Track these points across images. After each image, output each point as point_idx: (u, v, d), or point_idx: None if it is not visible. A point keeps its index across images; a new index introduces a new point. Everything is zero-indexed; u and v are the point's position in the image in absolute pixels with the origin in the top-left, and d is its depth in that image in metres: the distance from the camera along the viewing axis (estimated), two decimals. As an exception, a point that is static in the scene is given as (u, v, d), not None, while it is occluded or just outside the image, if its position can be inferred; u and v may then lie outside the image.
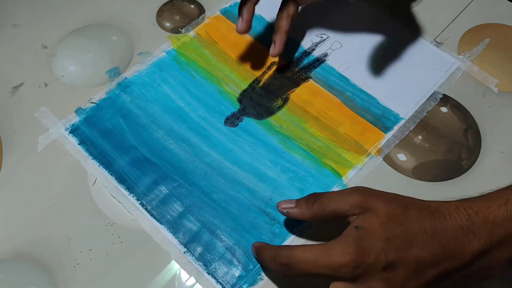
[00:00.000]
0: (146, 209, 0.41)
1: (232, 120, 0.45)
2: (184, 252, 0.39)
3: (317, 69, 0.48)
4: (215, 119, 0.45)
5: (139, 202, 0.41)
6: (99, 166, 0.42)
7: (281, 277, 0.38)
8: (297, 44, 0.50)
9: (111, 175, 0.42)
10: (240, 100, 0.46)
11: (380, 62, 0.49)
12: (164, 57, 0.49)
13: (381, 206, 0.32)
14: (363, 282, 0.31)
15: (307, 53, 0.50)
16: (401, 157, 0.43)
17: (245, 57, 0.49)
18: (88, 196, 0.41)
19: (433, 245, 0.31)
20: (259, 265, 0.38)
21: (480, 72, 0.48)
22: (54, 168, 0.43)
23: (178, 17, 0.52)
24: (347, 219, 0.34)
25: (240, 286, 0.37)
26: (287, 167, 0.43)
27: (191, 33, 0.51)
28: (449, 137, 0.44)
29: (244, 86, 0.47)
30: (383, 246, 0.31)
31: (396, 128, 0.45)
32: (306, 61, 0.49)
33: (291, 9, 0.46)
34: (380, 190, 0.34)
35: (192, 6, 0.53)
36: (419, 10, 0.53)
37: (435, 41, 0.50)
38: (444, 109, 0.46)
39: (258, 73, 0.48)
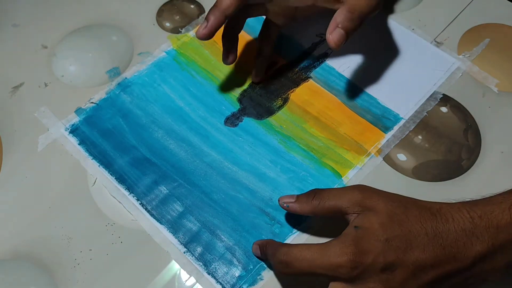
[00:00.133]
0: (146, 209, 0.41)
1: (232, 120, 0.45)
2: (184, 252, 0.39)
3: (317, 69, 0.48)
4: (215, 119, 0.45)
5: (139, 202, 0.41)
6: (99, 166, 0.42)
7: (281, 275, 0.38)
8: (297, 44, 0.50)
9: (111, 175, 0.42)
10: (240, 100, 0.46)
11: (380, 62, 0.49)
12: (164, 57, 0.49)
13: (381, 205, 0.32)
14: (361, 282, 0.31)
15: (307, 53, 0.50)
16: (401, 157, 0.43)
17: (245, 57, 0.49)
18: (88, 196, 0.41)
19: (434, 247, 0.31)
20: (259, 265, 0.38)
21: (480, 72, 0.48)
22: (54, 168, 0.43)
23: (178, 17, 0.52)
24: (347, 217, 0.34)
25: (240, 286, 0.37)
26: (287, 167, 0.43)
27: (191, 33, 0.51)
28: (449, 137, 0.44)
29: (244, 86, 0.47)
30: (382, 247, 0.31)
31: (396, 128, 0.45)
32: (306, 61, 0.49)
33: (273, 34, 0.46)
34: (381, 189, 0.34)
35: (192, 6, 0.53)
36: (419, 10, 0.53)
37: (435, 41, 0.50)
38: (444, 109, 0.46)
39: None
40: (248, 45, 0.50)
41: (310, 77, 0.48)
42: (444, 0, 0.53)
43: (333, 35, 0.40)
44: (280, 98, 0.47)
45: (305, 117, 0.45)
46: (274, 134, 0.44)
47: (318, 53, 0.50)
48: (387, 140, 0.44)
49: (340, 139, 0.44)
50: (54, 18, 0.52)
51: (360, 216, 0.33)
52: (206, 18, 0.40)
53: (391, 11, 0.52)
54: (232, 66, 0.48)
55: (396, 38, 0.50)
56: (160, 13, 0.52)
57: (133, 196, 0.41)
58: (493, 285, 0.33)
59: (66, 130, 0.44)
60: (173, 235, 0.39)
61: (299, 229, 0.40)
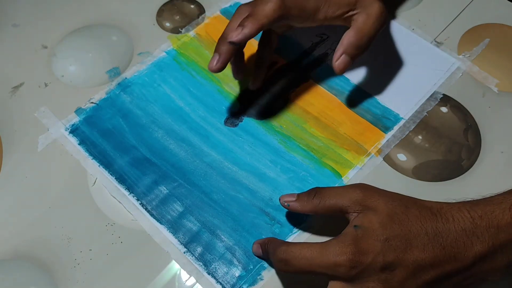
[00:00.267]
0: (146, 209, 0.41)
1: (232, 120, 0.45)
2: (184, 252, 0.39)
3: (317, 69, 0.48)
4: (215, 119, 0.45)
5: (139, 202, 0.41)
6: (99, 166, 0.42)
7: (281, 273, 0.38)
8: (297, 44, 0.50)
9: (111, 175, 0.42)
10: (240, 100, 0.46)
11: (380, 62, 0.49)
12: (164, 57, 0.49)
13: (382, 205, 0.32)
14: (360, 282, 0.31)
15: (307, 53, 0.50)
16: (401, 157, 0.43)
17: (245, 57, 0.49)
18: (88, 196, 0.41)
19: (434, 247, 0.31)
20: (259, 265, 0.38)
21: (480, 72, 0.48)
22: (54, 168, 0.43)
23: (178, 17, 0.52)
24: (347, 216, 0.34)
25: (240, 286, 0.37)
26: (287, 167, 0.43)
27: (191, 33, 0.51)
28: (449, 137, 0.44)
29: (244, 86, 0.47)
30: (382, 247, 0.31)
31: (396, 128, 0.45)
32: (306, 61, 0.49)
33: (274, 42, 0.46)
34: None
35: (192, 6, 0.53)
36: (419, 10, 0.53)
37: (435, 41, 0.50)
38: (444, 109, 0.46)
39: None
40: (249, 46, 0.50)
41: (310, 77, 0.48)
42: (444, 0, 0.53)
43: (339, 62, 0.41)
44: (280, 98, 0.47)
45: (305, 117, 0.45)
46: (274, 134, 0.44)
47: (318, 53, 0.50)
48: (387, 140, 0.44)
49: (340, 139, 0.44)
50: (54, 18, 0.52)
51: (360, 215, 0.33)
52: (217, 51, 0.39)
53: (391, 11, 0.52)
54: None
55: (396, 38, 0.50)
56: (160, 13, 0.52)
57: (133, 196, 0.41)
58: (493, 285, 0.33)
59: (66, 130, 0.44)
60: (173, 235, 0.39)
61: (299, 229, 0.40)
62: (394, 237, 0.31)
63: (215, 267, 0.38)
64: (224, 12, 0.52)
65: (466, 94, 0.47)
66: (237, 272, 0.38)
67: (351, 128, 0.45)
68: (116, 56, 0.49)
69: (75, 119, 0.45)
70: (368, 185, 0.34)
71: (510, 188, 0.34)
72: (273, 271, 0.38)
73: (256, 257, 0.38)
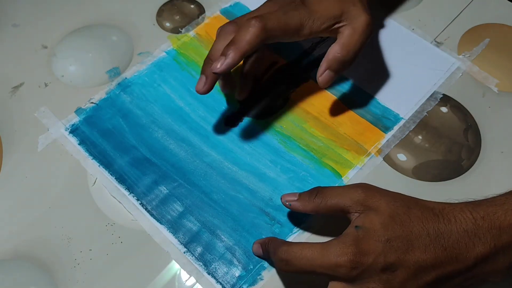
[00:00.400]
0: (146, 209, 0.41)
1: (232, 120, 0.45)
2: (184, 252, 0.39)
3: (317, 69, 0.48)
4: (215, 119, 0.45)
5: (139, 202, 0.41)
6: (99, 166, 0.42)
7: (282, 272, 0.38)
8: (297, 44, 0.50)
9: (111, 175, 0.42)
10: (240, 100, 0.46)
11: (380, 62, 0.49)
12: (164, 57, 0.49)
13: (383, 205, 0.32)
14: (361, 283, 0.31)
15: (307, 53, 0.50)
16: (401, 157, 0.43)
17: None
18: (88, 196, 0.41)
19: (436, 248, 0.31)
20: (259, 265, 0.38)
21: (480, 72, 0.48)
22: (54, 168, 0.43)
23: (178, 17, 0.52)
24: (348, 216, 0.34)
25: (240, 286, 0.37)
26: (287, 167, 0.43)
27: (191, 33, 0.51)
28: (449, 137, 0.44)
29: (244, 86, 0.47)
30: (383, 248, 0.31)
31: (396, 128, 0.45)
32: (306, 61, 0.49)
33: (266, 54, 0.45)
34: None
35: (192, 6, 0.53)
36: (419, 10, 0.53)
37: (435, 41, 0.50)
38: (444, 109, 0.46)
39: (258, 73, 0.48)
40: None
41: (310, 77, 0.48)
42: (444, 0, 0.53)
43: (323, 77, 0.41)
44: (280, 98, 0.47)
45: (305, 117, 0.45)
46: (274, 134, 0.44)
47: (318, 53, 0.50)
48: (387, 140, 0.44)
49: (340, 139, 0.44)
50: (54, 18, 0.52)
51: (361, 215, 0.33)
52: (203, 73, 0.39)
53: (391, 11, 0.52)
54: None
55: (396, 38, 0.50)
56: (160, 13, 0.52)
57: (133, 196, 0.41)
58: (494, 286, 0.33)
59: (66, 130, 0.44)
60: (173, 235, 0.39)
61: (299, 229, 0.40)
62: (396, 238, 0.31)
63: (215, 267, 0.38)
64: (224, 12, 0.52)
65: (466, 94, 0.47)
66: (237, 272, 0.38)
67: (351, 128, 0.45)
68: (116, 56, 0.49)
69: (75, 119, 0.45)
70: (370, 185, 0.34)
71: (511, 189, 0.34)
72: (273, 271, 0.38)
73: (256, 257, 0.38)
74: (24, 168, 0.43)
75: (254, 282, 0.38)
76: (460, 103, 0.46)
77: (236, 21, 0.40)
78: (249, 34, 0.37)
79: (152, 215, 0.40)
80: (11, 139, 0.44)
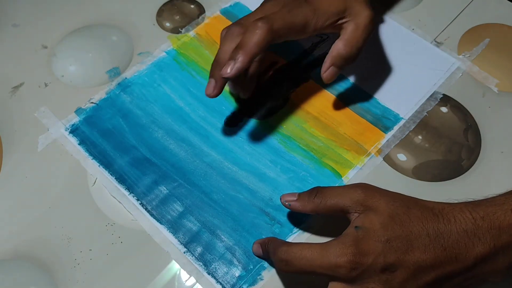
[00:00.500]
0: (146, 209, 0.41)
1: (232, 120, 0.45)
2: (184, 252, 0.39)
3: (317, 69, 0.48)
4: (215, 119, 0.45)
5: (139, 202, 0.41)
6: (99, 166, 0.42)
7: (281, 273, 0.38)
8: (297, 44, 0.50)
9: (111, 175, 0.42)
10: (240, 100, 0.46)
11: (380, 62, 0.49)
12: (164, 57, 0.49)
13: (383, 205, 0.32)
14: (361, 283, 0.31)
15: (307, 53, 0.50)
16: (401, 157, 0.43)
17: None
18: (88, 196, 0.41)
19: (435, 248, 0.31)
20: (259, 265, 0.38)
21: (480, 72, 0.48)
22: (54, 168, 0.43)
23: (178, 17, 0.52)
24: (348, 216, 0.34)
25: (240, 286, 0.37)
26: (287, 167, 0.43)
27: (191, 33, 0.51)
28: (449, 137, 0.44)
29: (244, 86, 0.47)
30: (382, 248, 0.31)
31: (396, 128, 0.45)
32: (306, 61, 0.49)
33: (267, 54, 0.45)
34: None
35: (192, 6, 0.53)
36: (419, 10, 0.53)
37: (435, 41, 0.50)
38: (444, 109, 0.46)
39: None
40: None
41: (310, 77, 0.48)
42: (444, 0, 0.53)
43: (327, 73, 0.42)
44: (280, 98, 0.47)
45: (305, 117, 0.45)
46: (274, 134, 0.44)
47: (318, 53, 0.50)
48: (387, 140, 0.44)
49: (340, 139, 0.44)
50: (54, 18, 0.52)
51: (361, 215, 0.33)
52: (212, 77, 0.39)
53: (391, 11, 0.52)
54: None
55: (396, 38, 0.50)
56: (160, 13, 0.52)
57: (133, 196, 0.41)
58: (494, 286, 0.33)
59: (66, 130, 0.44)
60: (173, 235, 0.39)
61: (299, 229, 0.40)
62: (395, 238, 0.31)
63: (215, 267, 0.38)
64: (224, 12, 0.52)
65: (466, 94, 0.47)
66: (237, 272, 0.38)
67: (351, 128, 0.45)
68: (116, 56, 0.49)
69: (75, 119, 0.45)
70: (370, 185, 0.34)
71: (511, 189, 0.34)
72: (273, 271, 0.38)
73: (256, 257, 0.38)
74: (24, 168, 0.43)
75: (254, 282, 0.38)
76: (460, 103, 0.46)
77: (241, 22, 0.40)
78: (257, 36, 0.37)
79: (152, 215, 0.40)
80: (11, 139, 0.44)
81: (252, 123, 0.45)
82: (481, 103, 0.46)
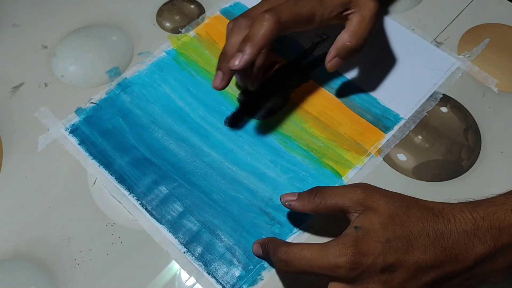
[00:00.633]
0: (146, 209, 0.41)
1: (232, 120, 0.45)
2: (184, 252, 0.39)
3: (317, 69, 0.48)
4: (215, 119, 0.45)
5: (139, 202, 0.41)
6: (99, 166, 0.42)
7: (281, 273, 0.38)
8: (297, 44, 0.50)
9: (111, 175, 0.42)
10: (240, 100, 0.46)
11: (380, 62, 0.49)
12: (164, 57, 0.49)
13: (383, 205, 0.32)
14: (360, 283, 0.31)
15: (307, 53, 0.50)
16: (401, 157, 0.43)
17: None
18: (88, 196, 0.41)
19: (435, 248, 0.31)
20: (259, 265, 0.38)
21: (480, 72, 0.48)
22: (54, 168, 0.43)
23: (178, 17, 0.52)
24: (348, 216, 0.34)
25: (240, 286, 0.37)
26: (287, 167, 0.43)
27: (191, 33, 0.51)
28: (449, 137, 0.44)
29: (244, 86, 0.47)
30: (382, 248, 0.31)
31: (396, 128, 0.45)
32: (306, 61, 0.49)
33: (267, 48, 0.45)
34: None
35: (192, 6, 0.53)
36: (419, 10, 0.53)
37: (435, 41, 0.50)
38: (444, 109, 0.46)
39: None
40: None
41: (310, 77, 0.48)
42: (444, 0, 0.53)
43: (331, 63, 0.42)
44: (280, 98, 0.47)
45: (305, 117, 0.45)
46: (274, 134, 0.44)
47: (318, 53, 0.50)
48: (387, 140, 0.44)
49: (340, 139, 0.44)
50: (54, 18, 0.52)
51: (361, 216, 0.33)
52: (220, 69, 0.40)
53: (391, 11, 0.52)
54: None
55: (396, 38, 0.50)
56: (160, 13, 0.52)
57: (133, 196, 0.41)
58: (493, 285, 0.33)
59: (66, 130, 0.44)
60: (173, 235, 0.39)
61: (299, 229, 0.40)
62: (395, 238, 0.31)
63: (215, 267, 0.38)
64: (224, 12, 0.52)
65: (466, 94, 0.47)
66: (237, 272, 0.38)
67: (351, 128, 0.45)
68: (116, 56, 0.49)
69: (75, 119, 0.45)
70: (369, 184, 0.34)
71: (511, 189, 0.34)
72: (273, 271, 0.38)
73: (256, 257, 0.38)
74: (24, 168, 0.43)
75: (254, 282, 0.38)
76: (460, 103, 0.46)
77: (248, 14, 0.40)
78: (264, 28, 0.38)
79: (152, 215, 0.40)
80: (11, 139, 0.44)
81: (252, 123, 0.45)
82: (481, 103, 0.46)
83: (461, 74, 0.48)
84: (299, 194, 0.36)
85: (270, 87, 0.47)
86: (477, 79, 0.48)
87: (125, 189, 0.41)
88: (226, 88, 0.47)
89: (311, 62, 0.49)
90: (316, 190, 0.35)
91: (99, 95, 0.46)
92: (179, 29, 0.51)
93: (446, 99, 0.46)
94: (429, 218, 0.31)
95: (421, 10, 0.53)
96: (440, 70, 0.48)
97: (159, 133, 0.44)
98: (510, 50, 0.50)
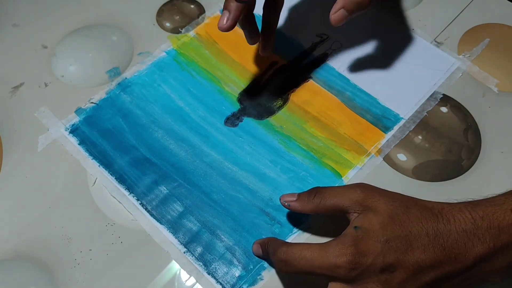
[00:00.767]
0: (146, 209, 0.41)
1: (232, 120, 0.45)
2: (184, 252, 0.39)
3: (317, 69, 0.48)
4: (215, 119, 0.45)
5: (139, 202, 0.41)
6: (99, 166, 0.42)
7: (281, 273, 0.38)
8: (297, 44, 0.50)
9: (111, 175, 0.42)
10: (240, 100, 0.46)
11: (380, 62, 0.49)
12: (164, 57, 0.49)
13: (382, 205, 0.32)
14: (360, 283, 0.31)
15: (307, 53, 0.50)
16: (401, 157, 0.43)
17: (245, 57, 0.49)
18: (88, 196, 0.41)
19: (435, 248, 0.31)
20: (259, 265, 0.38)
21: (480, 72, 0.48)
22: (54, 168, 0.43)
23: (178, 17, 0.52)
24: (347, 216, 0.34)
25: (240, 286, 0.37)
26: (287, 167, 0.43)
27: (191, 33, 0.51)
28: (449, 137, 0.44)
29: (244, 86, 0.47)
30: (382, 248, 0.31)
31: (396, 128, 0.45)
32: (306, 61, 0.49)
33: (279, 1, 0.43)
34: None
35: (192, 6, 0.53)
36: (419, 10, 0.53)
37: (435, 41, 0.50)
38: (444, 109, 0.46)
39: (258, 73, 0.48)
40: (249, 46, 0.50)
41: (310, 77, 0.48)
42: (444, 0, 0.53)
43: (336, 15, 0.39)
44: (280, 98, 0.47)
45: (305, 117, 0.45)
46: (274, 134, 0.44)
47: (318, 53, 0.50)
48: (387, 140, 0.44)
49: (340, 139, 0.44)
50: (54, 18, 0.52)
51: (360, 216, 0.33)
52: (226, 8, 0.38)
53: (391, 11, 0.52)
54: (232, 66, 0.48)
55: (396, 38, 0.50)
56: (160, 13, 0.52)
57: (133, 196, 0.41)
58: (493, 285, 0.33)
59: (66, 130, 0.44)
60: (173, 235, 0.39)
61: (299, 229, 0.40)
62: (395, 238, 0.31)
63: (215, 267, 0.38)
64: (224, 12, 0.52)
65: (466, 94, 0.47)
66: (237, 272, 0.38)
67: (351, 128, 0.45)
68: (116, 56, 0.49)
69: (75, 119, 0.45)
70: (369, 185, 0.34)
71: (510, 189, 0.34)
72: (273, 271, 0.38)
73: (256, 257, 0.38)
74: (24, 168, 0.43)
75: (254, 282, 0.38)
76: (460, 103, 0.46)
77: None
78: None
79: (152, 215, 0.40)
80: (11, 139, 0.44)
81: (252, 123, 0.45)
82: (481, 103, 0.46)
83: (461, 74, 0.48)
84: (299, 195, 0.36)
85: (270, 87, 0.47)
86: (477, 79, 0.48)
87: (125, 189, 0.41)
88: (226, 88, 0.47)
89: (311, 62, 0.49)
90: (316, 191, 0.35)
91: (99, 95, 0.46)
92: (179, 29, 0.51)
93: (446, 99, 0.46)
94: (428, 218, 0.31)
95: (421, 10, 0.53)
96: (440, 70, 0.48)
97: (159, 133, 0.44)
98: (510, 50, 0.50)
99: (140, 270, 0.38)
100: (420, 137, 0.44)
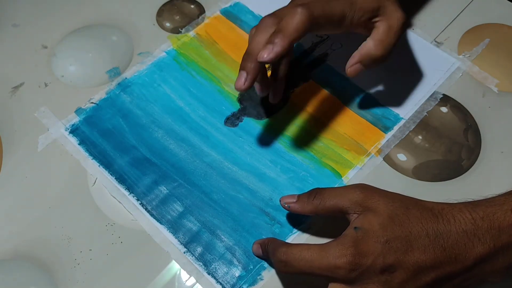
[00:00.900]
0: (146, 209, 0.41)
1: (232, 120, 0.45)
2: (184, 252, 0.39)
3: (317, 69, 0.48)
4: (215, 119, 0.45)
5: (139, 202, 0.41)
6: (99, 166, 0.42)
7: (281, 274, 0.38)
8: (297, 44, 0.50)
9: (111, 175, 0.42)
10: (240, 100, 0.46)
11: (380, 62, 0.49)
12: (164, 57, 0.49)
13: (382, 206, 0.32)
14: (360, 284, 0.31)
15: (307, 53, 0.50)
16: (401, 157, 0.43)
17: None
18: (88, 196, 0.41)
19: (435, 248, 0.31)
20: (259, 265, 0.38)
21: (480, 72, 0.48)
22: (54, 168, 0.43)
23: (178, 17, 0.52)
24: (347, 217, 0.34)
25: (240, 286, 0.37)
26: (287, 167, 0.43)
27: (191, 33, 0.51)
28: (449, 137, 0.44)
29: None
30: (382, 249, 0.31)
31: (396, 128, 0.45)
32: (306, 61, 0.49)
33: (290, 52, 0.42)
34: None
35: (192, 6, 0.53)
36: (419, 10, 0.53)
37: (435, 41, 0.50)
38: (444, 109, 0.46)
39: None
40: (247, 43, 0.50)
41: (310, 77, 0.48)
42: (444, 0, 0.53)
43: (352, 69, 0.41)
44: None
45: (305, 117, 0.45)
46: (274, 134, 0.44)
47: (318, 53, 0.50)
48: (387, 140, 0.44)
49: (340, 139, 0.44)
50: (54, 18, 0.52)
51: (360, 216, 0.33)
52: (244, 69, 0.37)
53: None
54: (232, 66, 0.48)
55: (396, 38, 0.50)
56: (160, 13, 0.52)
57: (133, 196, 0.41)
58: (493, 286, 0.33)
59: (66, 130, 0.44)
60: (173, 235, 0.39)
61: (299, 229, 0.40)
62: (395, 239, 0.31)
63: (215, 267, 0.38)
64: (224, 12, 0.52)
65: (466, 94, 0.47)
66: (237, 272, 0.38)
67: (351, 128, 0.45)
68: (116, 56, 0.49)
69: (75, 119, 0.45)
70: (369, 185, 0.34)
71: (511, 189, 0.34)
72: (273, 271, 0.38)
73: (256, 257, 0.38)
74: (24, 168, 0.43)
75: (254, 282, 0.38)
76: (460, 103, 0.46)
77: (276, 13, 0.39)
78: (297, 20, 0.36)
79: (152, 215, 0.40)
80: (11, 139, 0.44)
81: (252, 123, 0.45)
82: (481, 103, 0.46)
83: (461, 74, 0.48)
84: (299, 196, 0.36)
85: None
86: (477, 79, 0.48)
87: (125, 189, 0.41)
88: (226, 88, 0.47)
89: (311, 62, 0.49)
90: (315, 192, 0.35)
91: (99, 95, 0.46)
92: (179, 29, 0.51)
93: (446, 99, 0.46)
94: (428, 219, 0.31)
95: (421, 10, 0.53)
96: (440, 70, 0.48)
97: (159, 133, 0.44)
98: (510, 50, 0.50)
99: (140, 270, 0.38)
100: (420, 137, 0.44)
